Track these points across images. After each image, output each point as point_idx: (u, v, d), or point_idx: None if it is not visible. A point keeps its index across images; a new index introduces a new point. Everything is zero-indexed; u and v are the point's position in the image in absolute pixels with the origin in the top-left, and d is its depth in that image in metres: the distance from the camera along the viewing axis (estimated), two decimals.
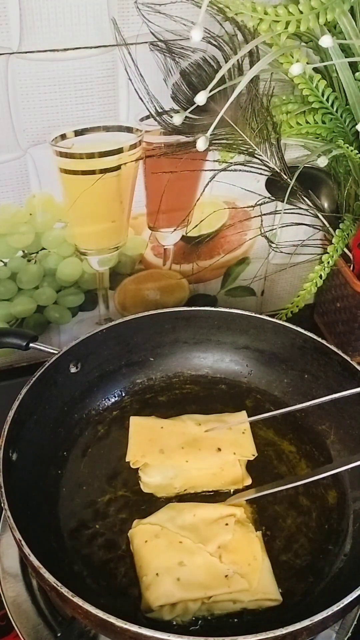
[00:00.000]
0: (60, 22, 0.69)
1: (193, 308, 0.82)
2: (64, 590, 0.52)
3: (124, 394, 0.81)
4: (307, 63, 0.71)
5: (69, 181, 0.81)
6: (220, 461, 0.71)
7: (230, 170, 0.82)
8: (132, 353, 0.82)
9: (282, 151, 0.79)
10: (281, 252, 0.93)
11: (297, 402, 0.80)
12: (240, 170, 0.81)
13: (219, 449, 0.72)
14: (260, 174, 0.82)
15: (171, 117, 0.75)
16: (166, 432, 0.73)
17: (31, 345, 0.75)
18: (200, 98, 0.69)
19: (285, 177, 0.81)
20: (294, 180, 0.79)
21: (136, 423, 0.75)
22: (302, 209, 0.85)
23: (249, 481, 0.71)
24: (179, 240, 0.93)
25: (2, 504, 0.58)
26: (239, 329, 0.82)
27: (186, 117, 0.73)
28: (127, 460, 0.72)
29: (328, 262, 0.84)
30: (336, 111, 0.76)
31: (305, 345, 0.78)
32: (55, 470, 0.71)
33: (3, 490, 0.59)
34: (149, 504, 0.68)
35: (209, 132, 0.71)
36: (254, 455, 0.73)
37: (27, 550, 0.55)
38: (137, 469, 0.71)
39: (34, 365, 0.72)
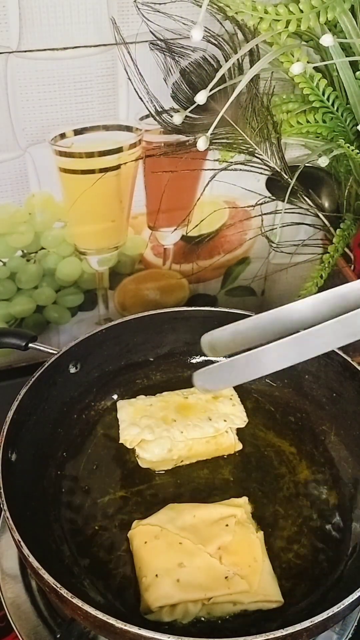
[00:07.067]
0: (59, 21, 0.69)
1: (193, 308, 0.82)
2: (64, 592, 0.52)
3: (123, 394, 0.80)
4: (308, 62, 0.71)
5: (69, 180, 0.81)
6: (212, 429, 0.73)
7: (231, 170, 0.81)
8: (132, 353, 0.81)
9: (282, 150, 0.79)
10: (282, 251, 0.93)
11: (298, 402, 0.80)
12: (240, 169, 0.81)
13: (210, 419, 0.73)
14: (261, 173, 0.82)
15: (171, 116, 0.74)
16: (156, 409, 0.74)
17: (30, 345, 0.75)
18: (201, 97, 0.69)
19: (286, 177, 0.80)
20: (294, 179, 0.79)
21: (123, 406, 0.75)
22: (302, 208, 0.85)
23: (240, 446, 0.74)
24: (179, 240, 0.93)
25: (2, 505, 0.58)
26: None
27: (186, 116, 0.73)
28: (120, 442, 0.72)
29: (329, 262, 0.84)
30: (337, 110, 0.76)
31: None
32: (55, 470, 0.71)
33: (2, 491, 0.59)
34: (149, 505, 0.68)
35: (210, 131, 0.71)
36: (245, 421, 0.75)
37: (26, 551, 0.54)
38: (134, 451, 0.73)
39: (33, 365, 0.72)
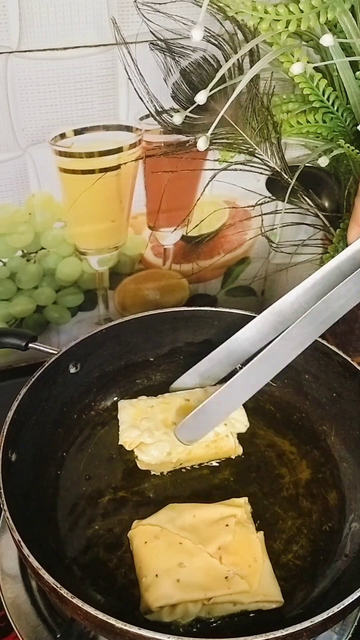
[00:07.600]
0: (59, 21, 0.69)
1: (193, 308, 0.82)
2: (64, 592, 0.52)
3: (123, 394, 0.80)
4: (308, 62, 0.71)
5: (69, 180, 0.81)
6: (212, 434, 0.72)
7: (231, 170, 0.81)
8: (132, 353, 0.81)
9: (282, 150, 0.79)
10: (282, 251, 0.93)
11: (298, 402, 0.80)
12: (240, 169, 0.81)
13: None
14: (261, 173, 0.82)
15: (171, 116, 0.74)
16: (157, 411, 0.74)
17: (30, 345, 0.74)
18: (201, 97, 0.69)
19: (286, 177, 0.80)
20: (294, 179, 0.78)
21: (125, 406, 0.75)
22: (302, 208, 0.85)
23: (240, 451, 0.74)
24: (179, 240, 0.93)
25: (2, 505, 0.58)
26: (239, 329, 0.81)
27: (186, 116, 0.73)
28: (120, 444, 0.72)
29: None
30: (337, 110, 0.76)
31: None
32: (55, 470, 0.71)
33: (2, 491, 0.59)
34: (149, 505, 0.68)
35: (210, 131, 0.71)
36: (246, 426, 0.74)
37: (26, 551, 0.54)
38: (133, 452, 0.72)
39: (33, 365, 0.72)
